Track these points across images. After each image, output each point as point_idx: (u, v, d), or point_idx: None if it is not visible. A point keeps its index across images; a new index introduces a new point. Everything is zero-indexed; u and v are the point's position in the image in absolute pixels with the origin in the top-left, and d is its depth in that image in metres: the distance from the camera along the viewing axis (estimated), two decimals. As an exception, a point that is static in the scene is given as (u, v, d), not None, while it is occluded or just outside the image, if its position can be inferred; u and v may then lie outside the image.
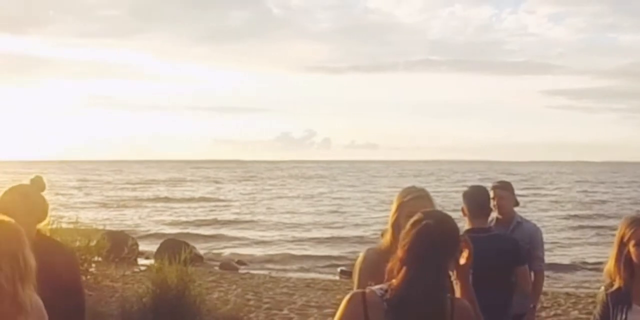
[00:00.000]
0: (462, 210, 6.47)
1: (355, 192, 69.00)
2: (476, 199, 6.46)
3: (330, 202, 55.75)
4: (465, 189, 6.74)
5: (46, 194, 4.82)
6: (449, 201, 36.07)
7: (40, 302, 3.51)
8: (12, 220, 3.49)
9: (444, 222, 3.50)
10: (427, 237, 3.39)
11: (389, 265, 3.50)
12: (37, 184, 4.71)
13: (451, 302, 3.41)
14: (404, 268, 3.37)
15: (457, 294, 3.67)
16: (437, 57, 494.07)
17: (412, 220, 3.53)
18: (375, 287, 3.50)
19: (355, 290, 3.82)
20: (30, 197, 4.60)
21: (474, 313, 3.55)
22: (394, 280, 3.41)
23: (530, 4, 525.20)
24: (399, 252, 3.43)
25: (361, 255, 4.77)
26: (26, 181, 4.75)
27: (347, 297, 3.57)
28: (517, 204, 7.51)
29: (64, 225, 14.95)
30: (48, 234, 5.24)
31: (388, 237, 4.53)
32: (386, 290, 3.40)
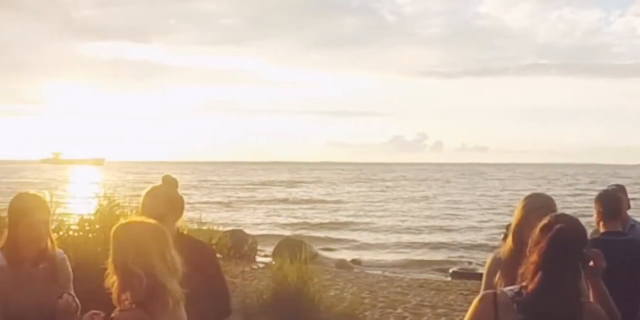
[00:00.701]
0: (597, 214, 6.35)
1: (467, 195, 68.29)
2: (610, 203, 6.34)
3: (442, 204, 55.31)
4: (591, 192, 6.66)
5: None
6: (565, 205, 35.45)
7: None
8: (156, 222, 3.66)
9: (575, 225, 3.47)
10: (561, 241, 3.35)
11: (522, 268, 3.46)
12: (171, 183, 4.81)
13: (584, 306, 3.38)
14: (540, 272, 3.34)
15: (590, 297, 3.66)
16: (546, 60, 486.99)
17: (541, 224, 3.50)
18: (506, 289, 3.51)
19: (486, 291, 3.81)
20: (170, 197, 4.69)
21: (608, 317, 3.51)
22: (524, 283, 3.41)
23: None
24: (534, 257, 3.39)
25: (489, 258, 4.78)
26: (156, 181, 4.85)
27: (479, 297, 3.57)
28: (629, 206, 7.40)
29: (187, 224, 15.27)
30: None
31: (510, 241, 4.51)
32: (517, 292, 3.40)
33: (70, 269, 4.73)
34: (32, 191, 4.75)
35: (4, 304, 4.39)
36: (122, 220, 3.63)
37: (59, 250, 4.71)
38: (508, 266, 4.18)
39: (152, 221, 3.67)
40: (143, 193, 4.69)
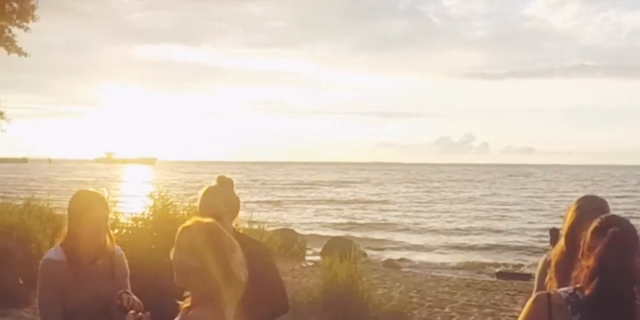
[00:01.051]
0: None
1: (513, 197, 67.80)
2: None
3: (489, 206, 54.93)
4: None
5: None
6: (612, 207, 34.93)
7: None
8: (215, 222, 3.67)
9: (628, 228, 3.38)
10: (617, 246, 3.28)
11: (575, 271, 3.43)
12: (227, 183, 4.82)
13: (637, 309, 3.33)
14: (597, 278, 3.29)
15: None
16: (591, 62, 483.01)
17: (593, 227, 3.43)
18: (560, 290, 3.48)
19: (540, 292, 3.77)
20: (228, 197, 4.73)
21: None
22: (578, 285, 3.38)
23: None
24: (589, 261, 3.35)
25: (541, 259, 4.73)
26: (206, 180, 4.89)
27: (532, 298, 3.53)
28: None
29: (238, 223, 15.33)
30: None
31: (562, 243, 4.46)
32: (571, 293, 3.37)
33: (127, 266, 4.79)
34: (91, 189, 4.82)
35: (63, 297, 4.44)
36: (187, 222, 3.62)
37: (117, 247, 4.79)
38: (559, 268, 4.14)
39: (210, 220, 3.67)
40: (200, 192, 4.73)
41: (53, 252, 4.56)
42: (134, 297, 4.53)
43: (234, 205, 4.72)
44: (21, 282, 11.49)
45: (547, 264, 4.58)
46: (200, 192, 4.73)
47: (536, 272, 4.75)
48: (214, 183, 4.77)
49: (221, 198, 4.66)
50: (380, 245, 29.57)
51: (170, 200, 11.36)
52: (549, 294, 3.44)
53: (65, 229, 4.60)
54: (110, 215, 4.82)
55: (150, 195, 11.40)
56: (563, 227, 4.53)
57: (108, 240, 4.64)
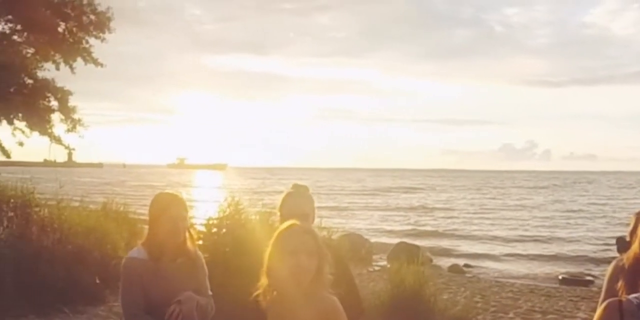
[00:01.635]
0: None
1: (576, 204, 66.84)
2: None
3: (551, 213, 54.19)
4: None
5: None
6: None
7: None
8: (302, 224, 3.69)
9: None
10: None
11: None
12: (304, 189, 4.92)
13: None
14: None
15: None
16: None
17: None
18: (632, 296, 3.41)
19: (611, 298, 3.70)
20: (312, 199, 4.85)
21: None
22: None
23: None
24: None
25: (611, 265, 4.66)
26: (275, 185, 4.94)
27: (604, 304, 3.46)
28: None
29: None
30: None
31: (636, 247, 4.37)
32: None
33: (205, 266, 4.84)
34: (170, 190, 4.96)
35: (144, 294, 4.52)
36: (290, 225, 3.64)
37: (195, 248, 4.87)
38: (631, 273, 4.05)
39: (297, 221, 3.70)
40: (283, 195, 4.83)
41: (135, 251, 4.69)
42: (189, 305, 4.56)
43: (314, 209, 4.83)
44: (97, 281, 11.65)
45: (618, 269, 4.49)
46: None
47: (605, 277, 4.66)
48: (283, 188, 4.85)
49: (308, 199, 4.78)
50: (444, 252, 29.35)
51: (241, 205, 11.42)
52: (620, 301, 3.37)
53: (147, 229, 4.71)
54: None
55: (222, 201, 11.48)
56: (625, 236, 4.46)
57: (188, 240, 4.74)
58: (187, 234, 4.75)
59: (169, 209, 4.64)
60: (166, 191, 4.98)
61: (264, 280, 3.61)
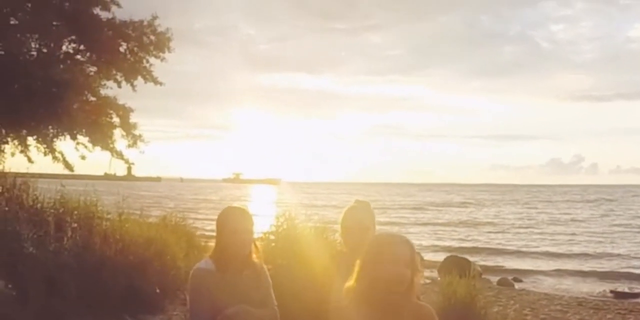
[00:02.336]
0: None
1: (624, 218, 65.75)
2: None
3: (601, 228, 53.22)
4: None
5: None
6: None
7: None
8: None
9: None
10: None
11: None
12: (365, 204, 5.02)
13: None
14: None
15: None
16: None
17: None
18: None
19: None
20: (372, 214, 4.93)
21: None
22: None
23: None
24: None
25: None
26: (328, 200, 5.03)
27: None
28: None
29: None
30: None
31: None
32: None
33: (269, 277, 4.89)
34: (236, 204, 5.05)
35: (212, 304, 4.58)
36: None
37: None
38: None
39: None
40: (346, 208, 4.96)
41: (203, 263, 4.77)
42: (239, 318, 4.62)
43: (374, 223, 4.90)
44: (157, 290, 11.75)
45: None
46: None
47: None
48: (335, 203, 4.93)
49: (367, 214, 4.85)
50: (493, 267, 29.00)
51: (296, 219, 11.45)
52: None
53: (214, 242, 4.79)
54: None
55: (277, 215, 11.53)
56: None
57: (254, 253, 4.80)
58: (252, 247, 4.82)
59: (234, 222, 4.74)
60: (233, 205, 5.06)
61: (353, 286, 3.64)
